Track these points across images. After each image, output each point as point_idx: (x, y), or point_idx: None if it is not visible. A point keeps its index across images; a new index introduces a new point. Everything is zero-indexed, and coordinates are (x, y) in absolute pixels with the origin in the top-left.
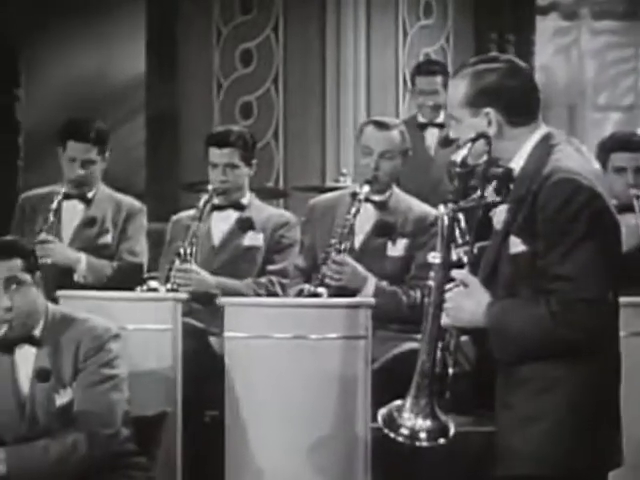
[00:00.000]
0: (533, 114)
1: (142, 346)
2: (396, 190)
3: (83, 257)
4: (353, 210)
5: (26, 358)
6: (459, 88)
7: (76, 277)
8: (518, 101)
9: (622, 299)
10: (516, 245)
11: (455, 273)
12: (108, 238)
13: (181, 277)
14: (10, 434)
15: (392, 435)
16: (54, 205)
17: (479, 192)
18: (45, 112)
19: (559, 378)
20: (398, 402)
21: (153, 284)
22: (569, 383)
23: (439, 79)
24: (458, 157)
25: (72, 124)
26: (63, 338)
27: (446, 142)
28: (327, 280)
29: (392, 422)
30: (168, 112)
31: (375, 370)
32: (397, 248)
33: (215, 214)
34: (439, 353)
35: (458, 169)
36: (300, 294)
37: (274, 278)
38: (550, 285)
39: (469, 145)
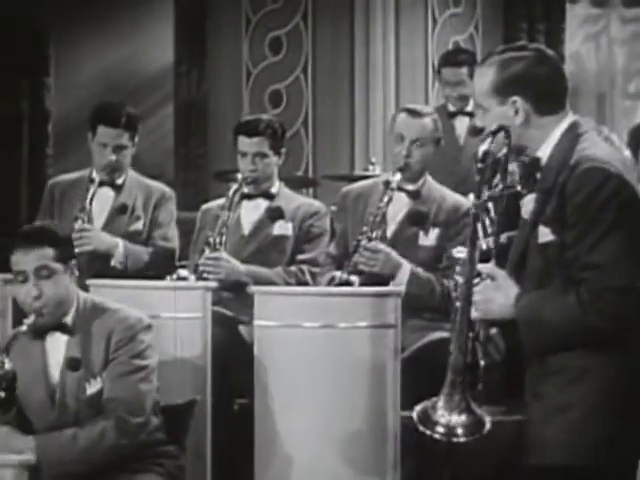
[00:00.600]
0: (560, 103)
1: (172, 335)
2: (429, 179)
3: (120, 242)
4: (386, 198)
5: (57, 346)
6: (486, 77)
7: (113, 262)
8: (546, 90)
9: None
10: (545, 235)
11: (482, 267)
12: (139, 225)
13: (211, 266)
14: (41, 421)
15: (428, 433)
16: (90, 193)
17: (501, 183)
18: (74, 100)
19: (590, 368)
20: (433, 399)
21: (183, 273)
22: (600, 373)
23: (465, 70)
24: (479, 152)
25: (103, 109)
26: (95, 327)
27: (476, 131)
28: (361, 267)
29: (427, 419)
30: (197, 101)
31: (405, 359)
32: (429, 238)
33: (245, 203)
34: (470, 346)
35: (480, 164)
36: (332, 282)
37: (304, 267)
38: (579, 274)
39: (489, 139)
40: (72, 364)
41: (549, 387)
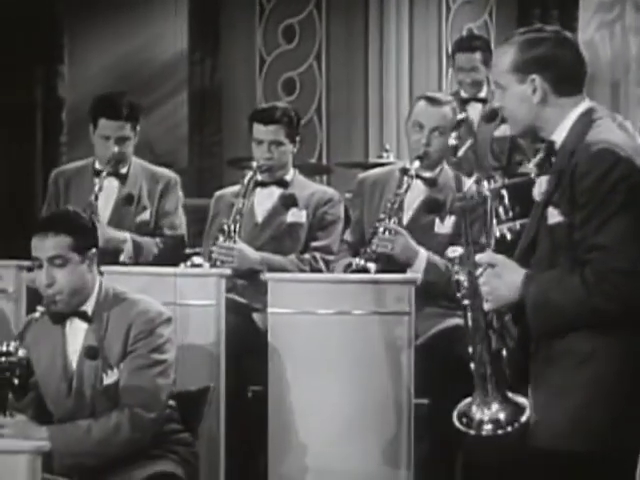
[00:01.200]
0: (578, 86)
1: (186, 322)
2: (446, 167)
3: (128, 237)
4: (404, 186)
5: (76, 333)
6: (507, 55)
7: (122, 257)
8: (565, 71)
9: None
10: (554, 216)
11: (479, 257)
12: (147, 215)
13: (225, 253)
14: (57, 408)
15: (476, 433)
16: (97, 187)
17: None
18: (88, 89)
19: (596, 351)
20: (466, 400)
21: (197, 260)
22: (606, 356)
23: (478, 56)
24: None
25: (103, 101)
26: (114, 318)
27: (489, 117)
28: (380, 249)
29: (471, 420)
30: (211, 88)
31: (419, 346)
32: (445, 225)
33: (259, 191)
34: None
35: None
36: (348, 268)
37: (318, 254)
38: (585, 255)
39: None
40: (90, 352)
41: (554, 371)
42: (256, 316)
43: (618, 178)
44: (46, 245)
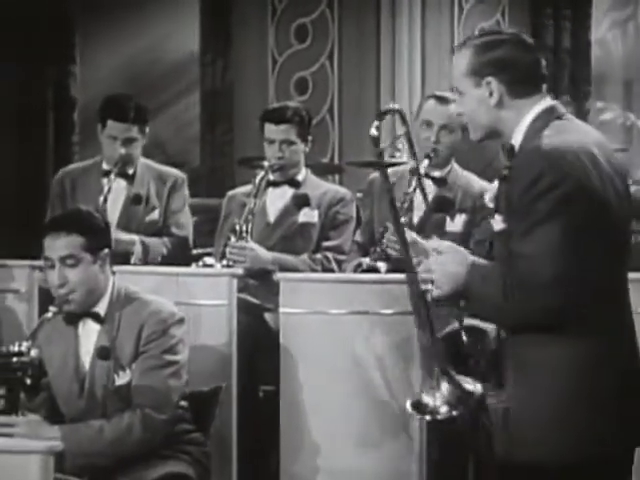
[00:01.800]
0: (535, 87)
1: (197, 322)
2: (455, 166)
3: (137, 239)
4: (413, 184)
5: (89, 334)
6: (463, 59)
7: (133, 260)
8: (522, 72)
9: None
10: (498, 223)
11: (427, 243)
12: (155, 215)
13: (237, 253)
14: (69, 408)
15: (433, 418)
16: (105, 191)
17: None
18: (100, 88)
19: (551, 361)
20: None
21: (209, 260)
22: (562, 366)
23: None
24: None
25: (111, 103)
26: (126, 318)
27: None
28: (389, 251)
29: (422, 407)
30: (223, 88)
31: None
32: (455, 224)
33: (270, 190)
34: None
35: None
36: (358, 268)
37: (330, 254)
38: (513, 262)
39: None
40: (102, 353)
41: (514, 379)
42: (268, 316)
43: (546, 187)
44: (58, 245)
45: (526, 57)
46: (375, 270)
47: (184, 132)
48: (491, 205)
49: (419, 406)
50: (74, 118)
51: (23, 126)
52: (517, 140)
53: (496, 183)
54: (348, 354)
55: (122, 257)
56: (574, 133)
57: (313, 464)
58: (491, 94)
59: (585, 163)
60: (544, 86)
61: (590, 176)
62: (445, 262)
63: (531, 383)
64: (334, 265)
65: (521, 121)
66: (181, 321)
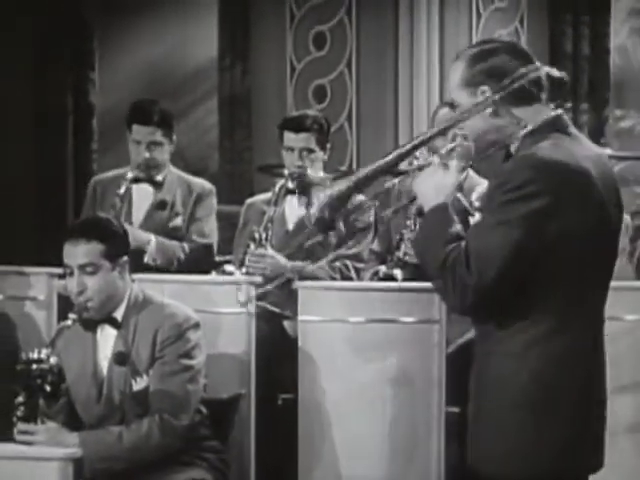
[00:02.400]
0: (532, 94)
1: (216, 329)
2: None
3: (152, 238)
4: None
5: (107, 339)
6: (457, 71)
7: (146, 259)
8: (513, 80)
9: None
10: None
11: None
12: (179, 221)
13: (256, 261)
14: (88, 415)
15: None
16: (122, 190)
17: None
18: (118, 95)
19: (510, 373)
20: None
21: (228, 268)
22: (522, 379)
23: None
24: None
25: (136, 107)
26: (142, 322)
27: None
28: (407, 258)
29: None
30: (241, 95)
31: (449, 353)
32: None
33: (289, 198)
34: None
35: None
36: (375, 275)
37: (348, 262)
38: (465, 246)
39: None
40: (119, 358)
41: (472, 391)
42: (287, 324)
43: (527, 193)
44: (77, 252)
45: (520, 65)
46: (392, 278)
47: (202, 138)
48: (477, 204)
49: None
50: (93, 124)
51: (42, 133)
52: (514, 148)
53: (484, 183)
54: (367, 362)
55: (136, 255)
56: (573, 149)
57: (332, 472)
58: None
59: (575, 183)
60: (543, 95)
61: (576, 198)
62: (431, 172)
63: (490, 396)
64: (353, 273)
65: (520, 129)
66: (197, 325)
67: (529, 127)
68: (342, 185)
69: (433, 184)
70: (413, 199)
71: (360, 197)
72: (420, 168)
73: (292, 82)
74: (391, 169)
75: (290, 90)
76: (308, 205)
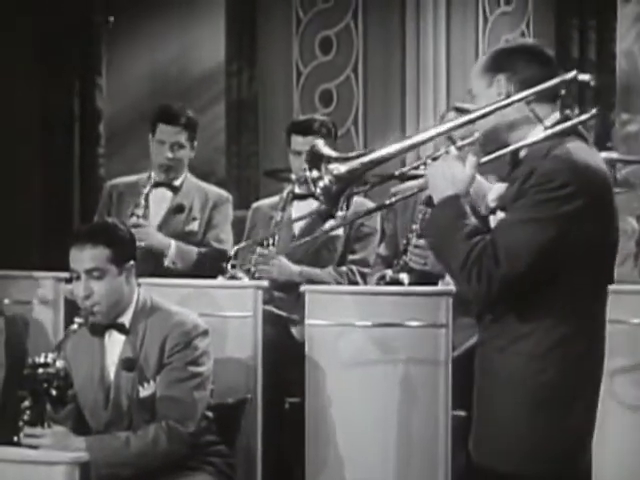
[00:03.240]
0: (546, 96)
1: (223, 333)
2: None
3: (173, 243)
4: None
5: (114, 345)
6: (479, 64)
7: (166, 263)
8: (530, 76)
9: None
10: (496, 221)
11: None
12: (195, 226)
13: (263, 263)
14: (95, 420)
15: None
16: (146, 190)
17: None
18: (126, 100)
19: (513, 370)
20: None
21: (235, 273)
22: (535, 378)
23: None
24: None
25: (164, 108)
26: (150, 329)
27: None
28: (412, 264)
29: None
30: (248, 100)
31: (455, 357)
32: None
33: (296, 203)
34: None
35: None
36: (382, 280)
37: (354, 267)
38: (489, 237)
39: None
40: (127, 364)
41: (479, 387)
42: (293, 328)
43: (566, 194)
44: (84, 257)
45: (542, 68)
46: (398, 282)
47: (210, 143)
48: (493, 204)
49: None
50: (100, 130)
51: (49, 137)
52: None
53: (501, 184)
54: (373, 366)
55: (156, 259)
56: (592, 152)
57: (339, 476)
58: (500, 94)
59: (602, 187)
60: (558, 103)
61: (602, 202)
62: (447, 164)
63: (507, 394)
64: (359, 278)
65: (532, 128)
66: (205, 333)
67: (542, 126)
68: (349, 165)
69: (450, 175)
70: (422, 189)
71: (367, 203)
72: (435, 158)
73: (298, 87)
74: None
75: (296, 95)
76: (315, 177)
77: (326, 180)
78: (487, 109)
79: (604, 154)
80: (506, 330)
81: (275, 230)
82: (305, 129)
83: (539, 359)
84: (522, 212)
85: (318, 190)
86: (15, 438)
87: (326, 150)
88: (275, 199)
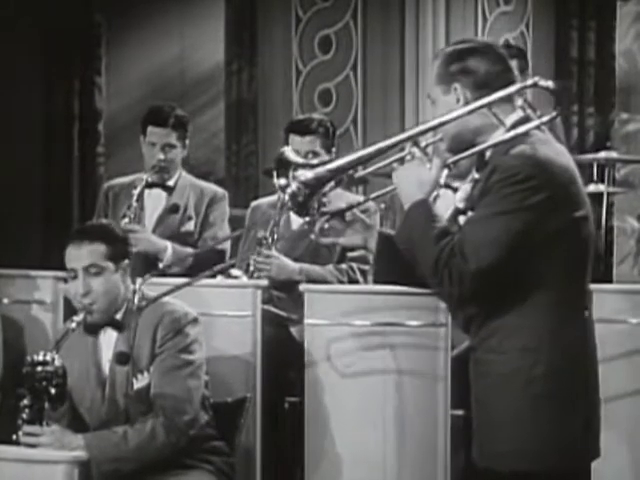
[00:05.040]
0: (506, 95)
1: (222, 332)
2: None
3: (169, 245)
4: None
5: (109, 342)
6: (434, 68)
7: (162, 265)
8: (485, 77)
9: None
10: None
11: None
12: (191, 225)
13: (262, 262)
14: (92, 417)
15: None
16: (137, 191)
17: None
18: (125, 100)
19: (509, 369)
20: None
21: (234, 272)
22: (529, 372)
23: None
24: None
25: (153, 110)
26: (142, 321)
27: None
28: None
29: None
30: (247, 99)
31: (454, 357)
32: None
33: None
34: None
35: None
36: None
37: (354, 265)
38: (457, 234)
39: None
40: (120, 358)
41: (477, 386)
42: (293, 327)
43: (530, 187)
44: (81, 254)
45: (491, 66)
46: None
47: (209, 143)
48: (461, 205)
49: None
50: (99, 129)
51: (48, 137)
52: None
53: (466, 185)
54: (372, 365)
55: (153, 261)
56: (556, 146)
57: (338, 476)
58: (458, 100)
59: (567, 179)
60: (517, 99)
61: (568, 193)
62: (414, 165)
63: (503, 391)
64: (359, 276)
65: (495, 130)
66: (195, 320)
67: (518, 128)
68: (323, 168)
69: (415, 179)
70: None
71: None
72: (401, 160)
73: (298, 86)
74: (370, 161)
75: (296, 94)
76: (282, 185)
77: (293, 187)
78: (446, 117)
79: (603, 154)
80: (495, 330)
81: (274, 229)
82: (303, 129)
83: (531, 352)
84: (487, 208)
85: (286, 196)
86: (14, 437)
87: (292, 156)
88: (274, 198)
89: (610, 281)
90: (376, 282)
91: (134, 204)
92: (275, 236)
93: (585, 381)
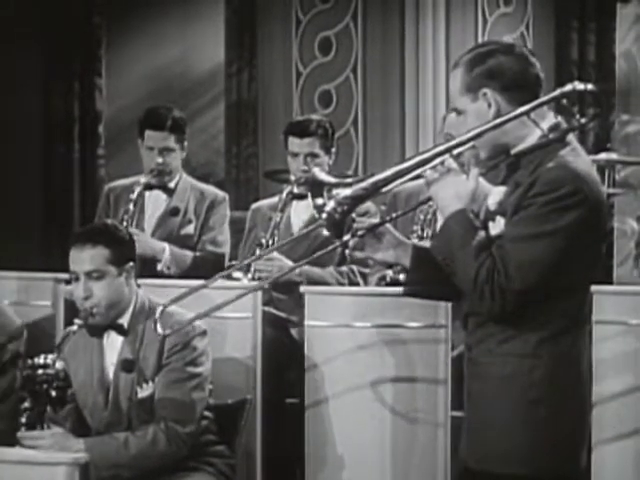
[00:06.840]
0: (533, 94)
1: (222, 335)
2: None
3: (167, 247)
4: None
5: (113, 346)
6: (456, 78)
7: (160, 267)
8: (514, 78)
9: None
10: (496, 227)
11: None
12: (190, 228)
13: (263, 264)
14: (95, 420)
15: None
16: (134, 195)
17: None
18: (125, 101)
19: (507, 371)
20: None
21: (235, 274)
22: (525, 377)
23: None
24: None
25: (149, 114)
26: (149, 330)
27: None
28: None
29: None
30: (247, 100)
31: (454, 358)
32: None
33: (295, 203)
34: None
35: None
36: (382, 280)
37: (355, 267)
38: (498, 251)
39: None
40: (125, 366)
41: (475, 388)
42: (293, 329)
43: (572, 203)
44: (83, 258)
45: (516, 65)
46: (398, 283)
47: (209, 144)
48: (493, 209)
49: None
50: (100, 131)
51: (48, 139)
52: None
53: (500, 188)
54: (373, 367)
55: (151, 264)
56: (585, 157)
57: (338, 476)
58: (489, 105)
59: (600, 193)
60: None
61: (601, 207)
62: (450, 179)
63: (499, 395)
64: (359, 278)
65: (529, 133)
66: (204, 333)
67: (539, 130)
68: (359, 186)
69: (454, 190)
70: (425, 201)
71: (367, 203)
72: (433, 167)
73: (298, 87)
74: (405, 176)
75: (296, 95)
76: (319, 205)
77: (330, 206)
78: (488, 125)
79: (603, 155)
80: (493, 333)
81: (274, 231)
82: (302, 130)
83: (529, 357)
84: (529, 225)
85: (323, 216)
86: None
87: (324, 177)
88: (274, 200)
89: (610, 283)
90: (408, 295)
91: (131, 208)
92: (275, 238)
93: (580, 386)
